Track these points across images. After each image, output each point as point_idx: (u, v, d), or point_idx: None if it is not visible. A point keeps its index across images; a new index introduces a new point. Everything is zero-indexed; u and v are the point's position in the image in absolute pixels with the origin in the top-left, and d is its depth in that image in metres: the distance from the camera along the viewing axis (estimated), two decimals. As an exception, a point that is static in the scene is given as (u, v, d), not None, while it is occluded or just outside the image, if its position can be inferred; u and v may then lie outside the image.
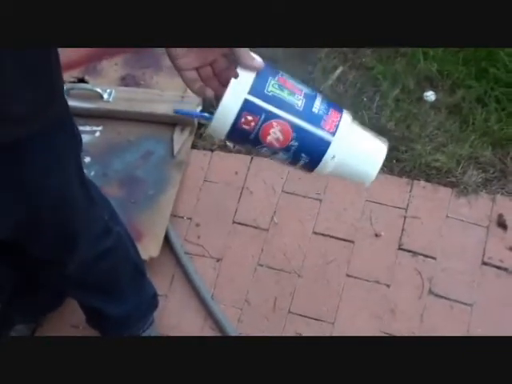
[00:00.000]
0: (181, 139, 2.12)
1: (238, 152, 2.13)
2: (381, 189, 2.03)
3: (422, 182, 2.04)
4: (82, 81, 2.23)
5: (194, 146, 2.15)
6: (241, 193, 2.07)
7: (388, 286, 1.90)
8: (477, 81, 2.17)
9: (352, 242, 1.97)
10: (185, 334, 1.88)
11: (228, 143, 2.13)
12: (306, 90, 0.95)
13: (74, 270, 1.48)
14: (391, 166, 2.07)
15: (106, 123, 2.18)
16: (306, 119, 0.94)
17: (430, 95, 2.19)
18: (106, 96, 2.15)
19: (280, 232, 2.00)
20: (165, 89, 2.18)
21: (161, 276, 1.96)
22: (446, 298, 1.87)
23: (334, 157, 0.96)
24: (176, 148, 2.11)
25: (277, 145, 0.94)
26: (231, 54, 0.92)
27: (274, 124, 0.92)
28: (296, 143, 0.94)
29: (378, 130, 2.09)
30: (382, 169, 2.04)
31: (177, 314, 1.92)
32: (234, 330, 1.86)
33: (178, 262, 1.98)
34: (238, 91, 0.91)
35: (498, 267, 1.90)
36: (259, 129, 0.92)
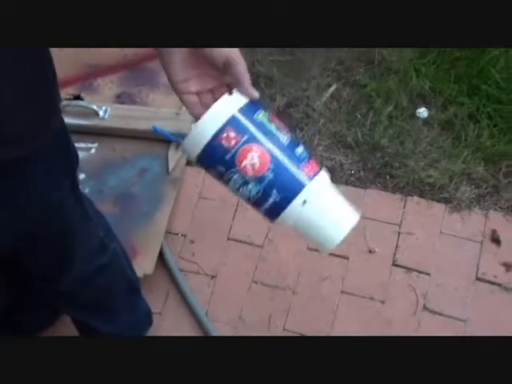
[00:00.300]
0: (176, 156, 2.13)
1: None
2: (375, 205, 2.04)
3: (416, 198, 2.05)
4: (77, 98, 2.24)
5: (188, 163, 2.15)
6: (235, 210, 2.08)
7: (382, 302, 1.91)
8: (469, 97, 2.19)
9: (346, 258, 1.98)
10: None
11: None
12: (291, 134, 0.93)
13: (69, 286, 1.47)
14: (385, 182, 2.08)
15: (102, 140, 2.18)
16: (287, 155, 0.90)
17: (422, 112, 2.20)
18: (101, 113, 2.16)
19: (275, 249, 2.01)
20: (160, 106, 2.19)
21: (155, 293, 1.95)
22: (440, 314, 1.88)
23: (304, 202, 0.91)
24: (171, 165, 2.11)
25: (251, 171, 0.89)
26: (233, 83, 0.92)
27: (255, 148, 0.88)
28: (271, 175, 0.89)
29: (372, 146, 2.12)
30: (375, 185, 2.07)
31: (171, 332, 1.92)
32: (229, 346, 1.86)
33: (173, 279, 1.98)
34: (228, 105, 0.89)
35: (492, 283, 1.90)
36: (238, 149, 0.88)
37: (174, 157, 2.12)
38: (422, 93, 2.23)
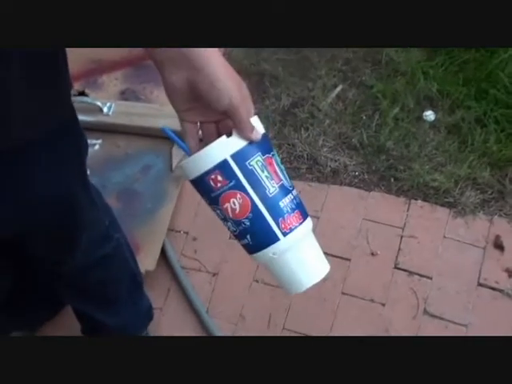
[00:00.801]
0: (179, 154, 2.12)
1: (237, 167, 2.14)
2: (378, 207, 2.03)
3: (420, 202, 2.04)
4: (82, 94, 2.24)
5: (192, 161, 2.15)
6: (238, 208, 2.07)
7: (383, 304, 1.90)
8: (476, 101, 2.18)
9: (348, 259, 1.97)
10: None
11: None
12: (285, 181, 0.94)
13: (72, 273, 1.48)
14: (389, 184, 2.08)
15: (106, 136, 2.18)
16: (269, 208, 0.92)
17: (429, 115, 2.20)
18: (105, 109, 2.16)
19: (276, 248, 2.00)
20: (164, 103, 2.16)
21: (157, 289, 1.96)
22: (440, 318, 1.87)
23: (274, 254, 0.95)
24: (174, 162, 2.11)
25: (231, 215, 0.92)
26: (234, 114, 0.89)
27: (238, 196, 0.91)
28: (248, 223, 0.93)
29: (377, 148, 2.11)
30: (379, 187, 2.06)
31: (171, 328, 1.92)
32: (229, 345, 1.86)
33: (174, 276, 1.98)
34: (222, 148, 0.90)
35: (494, 288, 1.90)
36: (222, 192, 0.91)
37: (177, 154, 2.12)
38: (429, 95, 2.22)
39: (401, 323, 1.87)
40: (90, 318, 1.71)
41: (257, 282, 1.97)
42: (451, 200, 2.03)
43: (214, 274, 1.99)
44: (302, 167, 2.11)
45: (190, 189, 2.12)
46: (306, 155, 2.14)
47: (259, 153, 0.91)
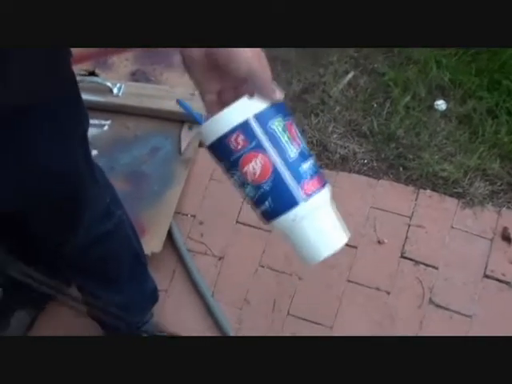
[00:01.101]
0: (188, 137, 2.12)
1: (246, 152, 2.13)
2: (386, 196, 2.03)
3: (428, 191, 2.03)
4: (92, 74, 2.23)
5: (201, 145, 2.15)
6: (246, 193, 2.07)
7: (388, 293, 1.90)
8: (489, 92, 2.16)
9: (355, 247, 1.97)
10: (183, 330, 1.88)
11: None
12: (303, 146, 0.93)
13: (75, 251, 1.48)
14: (398, 173, 2.07)
15: (115, 117, 2.18)
16: (290, 170, 0.91)
17: (440, 104, 2.18)
18: (115, 90, 2.16)
19: (283, 234, 2.00)
20: (175, 85, 2.18)
21: (162, 272, 1.96)
22: (445, 309, 1.87)
23: (294, 220, 0.93)
24: (183, 145, 2.11)
25: (250, 178, 0.90)
26: (255, 80, 0.88)
27: (259, 157, 0.89)
28: (268, 187, 0.91)
29: (387, 136, 2.10)
30: (388, 176, 2.06)
31: (176, 311, 1.93)
32: (232, 328, 1.86)
33: (180, 258, 1.99)
34: (244, 108, 0.88)
35: (500, 280, 1.89)
36: (243, 154, 0.89)
37: (186, 137, 2.12)
38: (442, 84, 2.21)
39: (406, 312, 1.87)
40: (94, 297, 1.71)
41: (262, 267, 1.97)
42: (460, 190, 2.02)
43: (220, 258, 1.99)
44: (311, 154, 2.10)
45: (198, 172, 2.13)
46: (315, 141, 2.13)
47: (280, 116, 0.90)
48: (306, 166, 0.92)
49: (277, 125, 0.90)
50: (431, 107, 2.19)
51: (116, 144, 2.14)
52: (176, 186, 2.05)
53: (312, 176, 0.93)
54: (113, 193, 1.55)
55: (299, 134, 0.93)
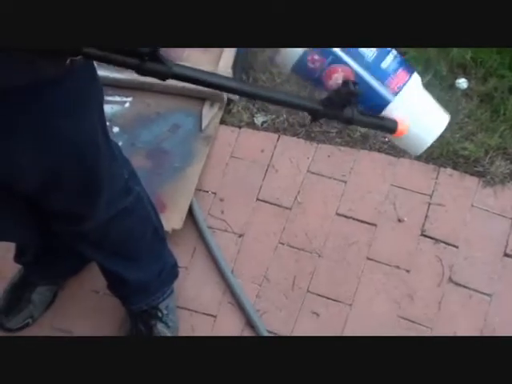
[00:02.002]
0: (210, 114, 2.12)
1: (266, 130, 2.14)
2: (406, 174, 2.02)
3: (449, 170, 2.03)
4: (114, 51, 2.23)
5: (222, 122, 2.15)
6: (266, 170, 2.08)
7: (408, 271, 1.90)
8: (510, 70, 2.14)
9: (375, 225, 1.97)
10: (203, 306, 1.90)
11: (255, 121, 2.14)
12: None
13: (94, 228, 1.49)
14: (418, 151, 2.06)
15: (136, 94, 2.19)
16: (373, 73, 0.92)
17: (462, 82, 2.17)
18: (137, 67, 2.16)
19: (303, 211, 2.01)
20: (196, 63, 2.18)
21: (182, 248, 1.98)
22: (465, 287, 1.87)
23: (396, 109, 0.95)
24: (204, 122, 2.11)
25: None
26: None
27: (339, 70, 0.91)
28: None
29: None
30: (409, 154, 2.04)
31: (196, 287, 1.94)
32: (252, 305, 1.88)
33: (201, 235, 2.00)
34: None
35: (520, 259, 1.89)
36: (323, 71, 0.91)
37: (207, 114, 2.12)
38: (463, 63, 2.19)
39: (425, 290, 1.87)
40: (115, 274, 1.73)
41: (282, 244, 1.98)
42: (481, 169, 2.02)
43: (240, 235, 2.00)
44: (332, 131, 2.10)
45: (218, 150, 2.14)
46: (335, 119, 2.13)
47: None
48: (387, 62, 0.93)
49: None
50: (452, 86, 2.17)
51: (137, 121, 2.15)
52: (197, 163, 2.06)
53: (396, 70, 0.94)
54: (131, 169, 1.56)
55: None
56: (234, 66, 2.19)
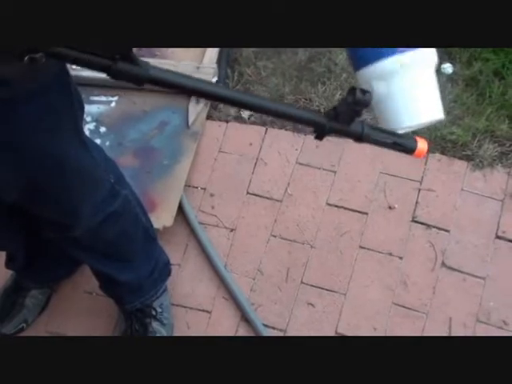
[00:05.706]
0: (196, 110, 2.12)
1: (253, 123, 2.13)
2: (395, 161, 2.02)
3: (438, 155, 2.03)
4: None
5: (209, 117, 2.15)
6: (255, 164, 2.07)
7: (401, 258, 1.91)
8: (494, 54, 2.15)
9: (366, 213, 1.97)
10: (198, 302, 1.90)
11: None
12: None
13: (83, 233, 1.49)
14: (406, 138, 2.06)
15: (122, 93, 2.18)
16: None
17: (447, 67, 2.17)
18: (121, 66, 2.15)
19: (294, 203, 2.01)
20: (180, 59, 2.18)
21: (174, 245, 1.97)
22: (458, 271, 1.87)
23: (401, 66, 0.92)
24: (191, 119, 2.11)
25: None
26: None
27: None
28: None
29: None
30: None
31: (190, 283, 1.94)
32: (247, 299, 1.88)
33: (192, 231, 2.00)
34: None
35: (512, 241, 1.90)
36: None
37: (194, 110, 2.12)
38: (447, 48, 2.19)
39: (419, 276, 1.88)
40: (106, 276, 1.73)
41: (274, 236, 1.98)
42: (469, 153, 2.02)
43: (232, 230, 2.00)
44: (319, 122, 2.10)
45: (206, 145, 2.13)
46: (323, 109, 2.13)
47: None
48: None
49: None
50: (438, 71, 2.14)
51: (124, 120, 2.14)
52: (185, 159, 2.06)
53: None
54: (118, 172, 1.55)
55: None
56: (219, 61, 2.18)
